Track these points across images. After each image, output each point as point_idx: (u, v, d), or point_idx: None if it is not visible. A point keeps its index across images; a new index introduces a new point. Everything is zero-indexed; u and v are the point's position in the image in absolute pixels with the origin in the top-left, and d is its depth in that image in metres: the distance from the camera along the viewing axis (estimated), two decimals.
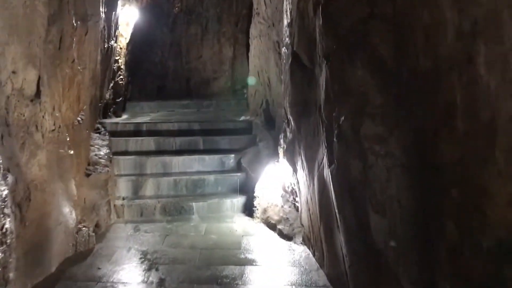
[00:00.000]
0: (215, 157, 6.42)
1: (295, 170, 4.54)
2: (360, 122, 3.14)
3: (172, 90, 13.66)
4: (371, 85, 2.96)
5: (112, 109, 8.11)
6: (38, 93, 3.90)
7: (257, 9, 7.78)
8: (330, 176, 3.41)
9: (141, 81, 11.29)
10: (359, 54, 3.19)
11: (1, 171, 2.89)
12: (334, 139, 3.30)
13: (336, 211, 3.31)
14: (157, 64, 12.32)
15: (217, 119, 7.98)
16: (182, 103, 10.33)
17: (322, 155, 3.65)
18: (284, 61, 4.85)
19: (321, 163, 3.71)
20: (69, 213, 4.21)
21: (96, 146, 5.75)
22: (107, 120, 7.23)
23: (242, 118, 7.59)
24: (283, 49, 4.80)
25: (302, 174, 4.30)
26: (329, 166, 3.42)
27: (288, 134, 4.76)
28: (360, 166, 3.08)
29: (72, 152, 4.50)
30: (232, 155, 6.47)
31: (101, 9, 6.52)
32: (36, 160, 3.63)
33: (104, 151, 5.74)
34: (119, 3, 7.91)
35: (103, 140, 6.08)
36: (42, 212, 3.72)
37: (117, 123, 7.07)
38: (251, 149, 6.61)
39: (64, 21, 4.79)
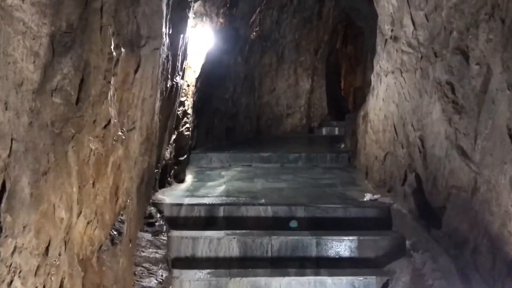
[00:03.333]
0: (343, 281, 3.72)
1: None
2: None
3: (242, 130, 11.27)
4: None
5: (173, 171, 5.69)
6: None
7: (392, 30, 5.15)
8: None
9: (208, 122, 8.93)
10: None
11: None
12: None
13: None
14: (228, 101, 9.94)
15: (323, 192, 5.33)
16: (262, 156, 7.78)
17: None
18: None
19: None
20: None
21: (143, 265, 3.25)
22: (166, 198, 4.75)
23: (368, 197, 4.89)
24: None
25: None
26: None
27: None
28: None
29: None
30: (372, 278, 3.76)
31: (163, 29, 4.14)
32: None
33: (158, 275, 3.22)
34: (189, 22, 5.57)
35: (157, 246, 3.59)
36: None
37: (179, 205, 4.55)
38: (401, 264, 3.87)
39: (90, 46, 2.38)
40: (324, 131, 14.33)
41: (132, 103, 3.23)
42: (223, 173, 6.81)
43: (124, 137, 2.93)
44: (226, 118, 9.89)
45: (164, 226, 4.03)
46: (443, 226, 3.91)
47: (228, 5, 7.82)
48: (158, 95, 4.15)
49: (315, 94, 15.03)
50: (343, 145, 8.33)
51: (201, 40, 6.46)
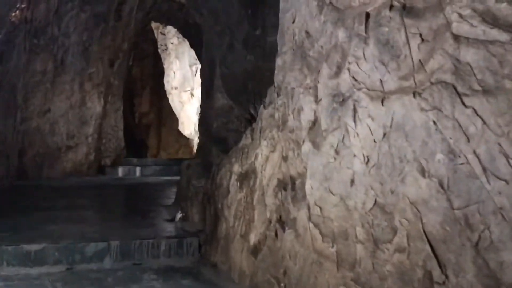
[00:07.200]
0: None
1: None
2: None
3: None
4: None
5: None
6: None
7: None
8: None
9: None
10: None
11: None
12: None
13: None
14: None
15: None
16: (25, 251, 3.64)
17: None
18: None
19: None
20: None
21: None
22: None
23: None
24: None
25: None
26: None
27: None
28: None
29: None
30: None
31: None
32: None
33: None
34: None
35: None
36: None
37: None
38: None
39: None
40: (120, 172, 10.56)
41: None
42: None
43: None
44: None
45: None
46: None
47: None
48: None
49: (109, 120, 11.09)
50: (179, 215, 4.81)
51: None
